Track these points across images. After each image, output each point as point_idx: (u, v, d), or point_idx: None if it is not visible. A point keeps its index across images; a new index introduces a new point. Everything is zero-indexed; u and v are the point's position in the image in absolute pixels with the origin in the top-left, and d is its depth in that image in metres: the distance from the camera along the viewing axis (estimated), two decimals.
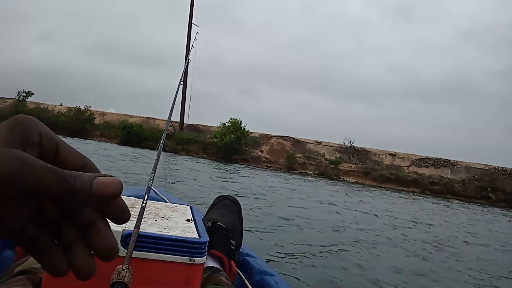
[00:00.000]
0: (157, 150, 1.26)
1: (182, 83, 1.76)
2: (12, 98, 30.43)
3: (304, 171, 23.12)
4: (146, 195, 1.03)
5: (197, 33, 2.18)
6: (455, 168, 23.52)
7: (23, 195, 0.26)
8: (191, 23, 27.44)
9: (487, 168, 22.72)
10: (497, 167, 22.76)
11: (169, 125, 1.39)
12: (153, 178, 1.12)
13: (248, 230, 4.23)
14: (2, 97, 32.13)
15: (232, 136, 23.96)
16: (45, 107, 29.69)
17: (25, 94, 29.88)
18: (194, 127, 28.43)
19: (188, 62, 1.79)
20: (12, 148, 0.27)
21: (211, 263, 1.20)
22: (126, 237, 0.90)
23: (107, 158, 11.48)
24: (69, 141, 17.97)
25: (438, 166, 23.78)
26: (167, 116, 1.40)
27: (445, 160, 24.05)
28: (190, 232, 1.03)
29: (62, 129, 25.49)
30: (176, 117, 27.73)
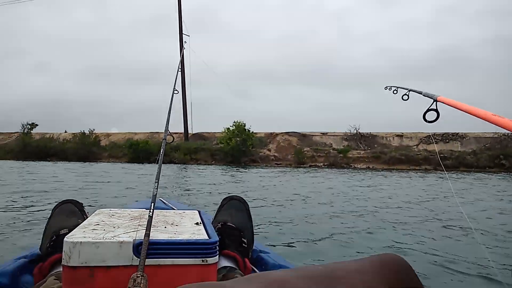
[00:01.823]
0: (158, 160, 1.29)
1: (176, 91, 1.78)
2: (17, 132, 30.79)
3: (313, 164, 23.08)
4: (152, 203, 1.05)
5: (185, 42, 2.21)
6: (465, 140, 23.33)
7: None
8: (182, 33, 27.54)
9: (496, 136, 22.50)
10: (506, 134, 22.53)
11: (168, 134, 1.41)
12: (157, 186, 1.14)
13: (259, 228, 4.24)
14: (8, 132, 32.50)
15: (238, 139, 24.00)
16: (51, 136, 29.99)
17: (29, 126, 30.21)
18: (199, 136, 28.52)
19: (178, 71, 1.82)
20: None
21: (225, 263, 1.22)
22: (137, 246, 0.92)
23: (118, 176, 11.57)
24: (79, 166, 18.13)
25: (447, 140, 23.61)
26: (165, 126, 1.43)
27: (453, 134, 23.86)
28: (199, 234, 1.04)
29: (70, 155, 25.72)
30: (180, 128, 27.89)
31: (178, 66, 1.96)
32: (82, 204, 1.37)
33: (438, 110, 2.04)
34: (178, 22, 27.80)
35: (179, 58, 2.40)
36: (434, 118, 2.05)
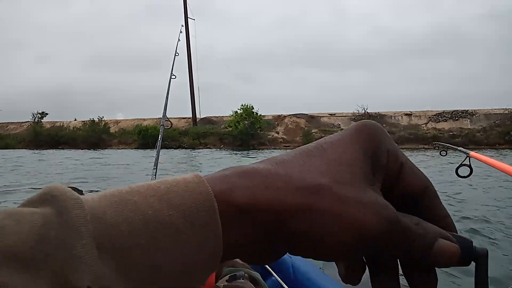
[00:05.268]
0: (156, 146, 1.33)
1: (173, 77, 1.81)
2: (28, 121, 31.18)
3: None
4: None
5: (182, 25, 2.21)
6: (474, 118, 23.06)
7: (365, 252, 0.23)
8: (187, 17, 27.35)
9: (507, 112, 22.20)
10: None
11: (165, 120, 1.44)
12: (156, 172, 1.19)
13: None
14: (18, 122, 32.92)
15: (246, 122, 24.03)
16: (61, 124, 30.33)
17: (39, 116, 30.55)
18: (207, 120, 28.58)
19: (175, 55, 1.84)
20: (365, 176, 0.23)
21: None
22: None
23: (127, 161, 11.73)
24: (90, 153, 18.33)
25: (457, 118, 23.36)
26: (162, 113, 1.47)
27: (463, 111, 23.59)
28: None
29: (81, 143, 26.05)
30: (188, 113, 27.95)
31: (175, 50, 1.98)
32: (82, 191, 1.42)
33: (471, 165, 2.04)
34: (180, 7, 27.60)
35: (180, 43, 2.41)
36: (467, 174, 2.06)
